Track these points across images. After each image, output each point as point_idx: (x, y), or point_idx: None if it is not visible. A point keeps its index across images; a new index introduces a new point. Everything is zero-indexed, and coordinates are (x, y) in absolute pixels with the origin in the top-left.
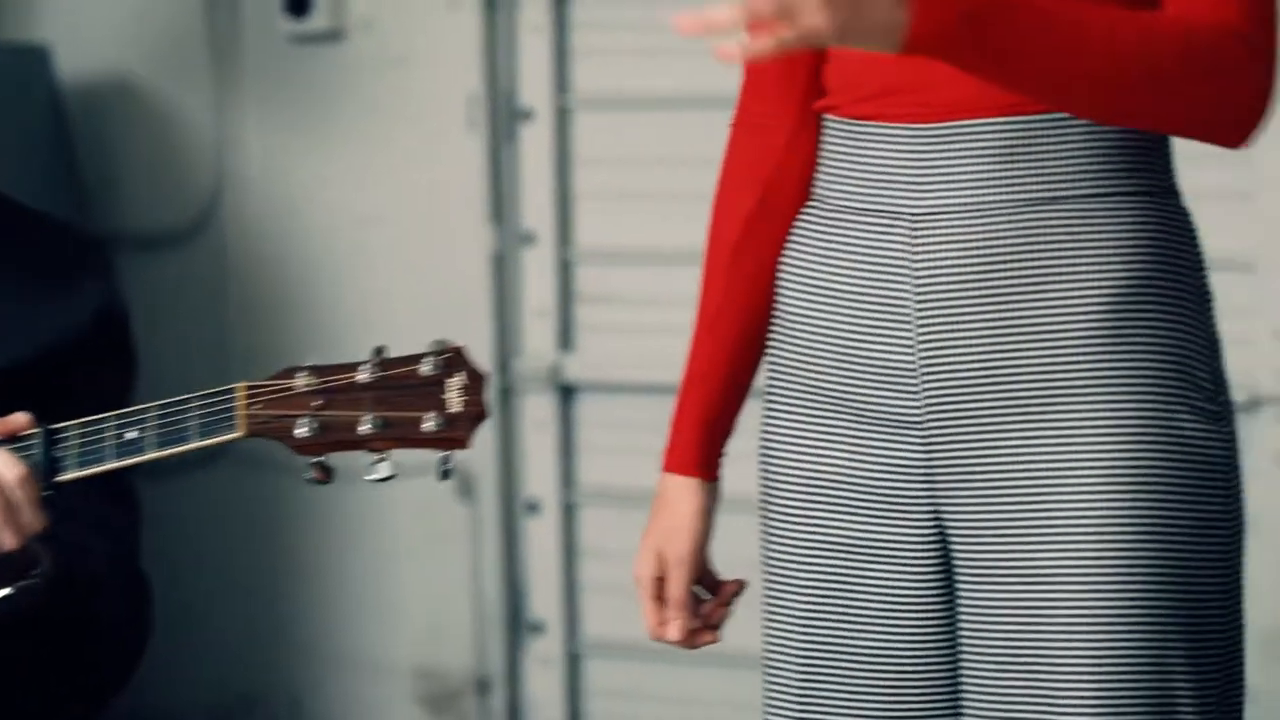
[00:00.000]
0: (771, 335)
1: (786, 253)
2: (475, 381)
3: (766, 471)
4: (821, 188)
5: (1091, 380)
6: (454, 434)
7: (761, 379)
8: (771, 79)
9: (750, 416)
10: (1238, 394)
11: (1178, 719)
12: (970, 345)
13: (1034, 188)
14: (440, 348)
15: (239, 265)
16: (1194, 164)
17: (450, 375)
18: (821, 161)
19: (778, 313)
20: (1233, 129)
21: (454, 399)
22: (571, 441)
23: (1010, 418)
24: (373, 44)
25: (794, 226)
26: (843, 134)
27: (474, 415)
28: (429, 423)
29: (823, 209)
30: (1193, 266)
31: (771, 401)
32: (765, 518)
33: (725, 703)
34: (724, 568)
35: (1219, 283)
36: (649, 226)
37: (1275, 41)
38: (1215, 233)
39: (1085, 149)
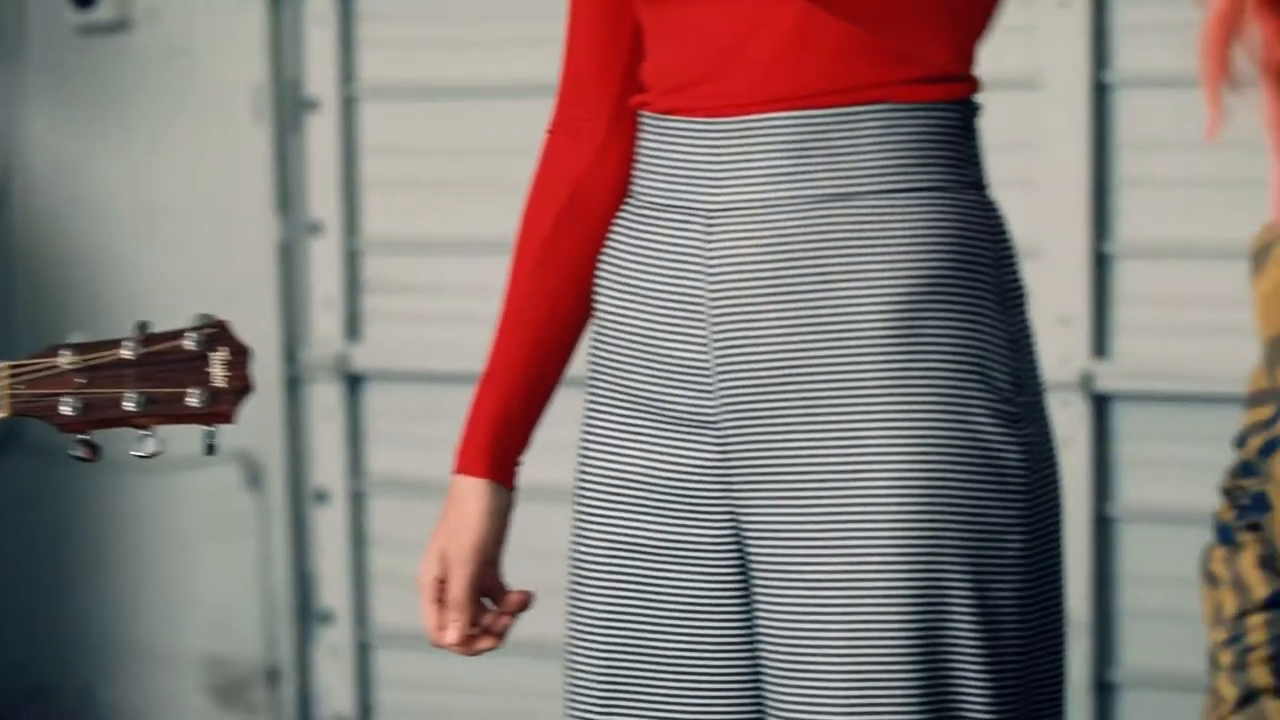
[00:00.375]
0: (591, 334)
1: (603, 252)
2: (239, 356)
3: (581, 469)
4: (635, 185)
5: (883, 380)
6: (219, 409)
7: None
8: (587, 80)
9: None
10: None
11: None
12: (762, 344)
13: (826, 183)
14: (204, 322)
15: (26, 256)
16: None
17: (214, 350)
18: (636, 158)
19: (595, 312)
20: (956, 46)
21: (218, 374)
22: (359, 431)
23: (802, 418)
24: (158, 35)
25: (611, 225)
26: (652, 129)
27: (238, 389)
28: (193, 398)
29: (634, 206)
30: (993, 262)
31: (589, 400)
32: (577, 515)
33: (514, 691)
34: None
35: None
36: (436, 216)
37: None
38: None
39: (878, 144)
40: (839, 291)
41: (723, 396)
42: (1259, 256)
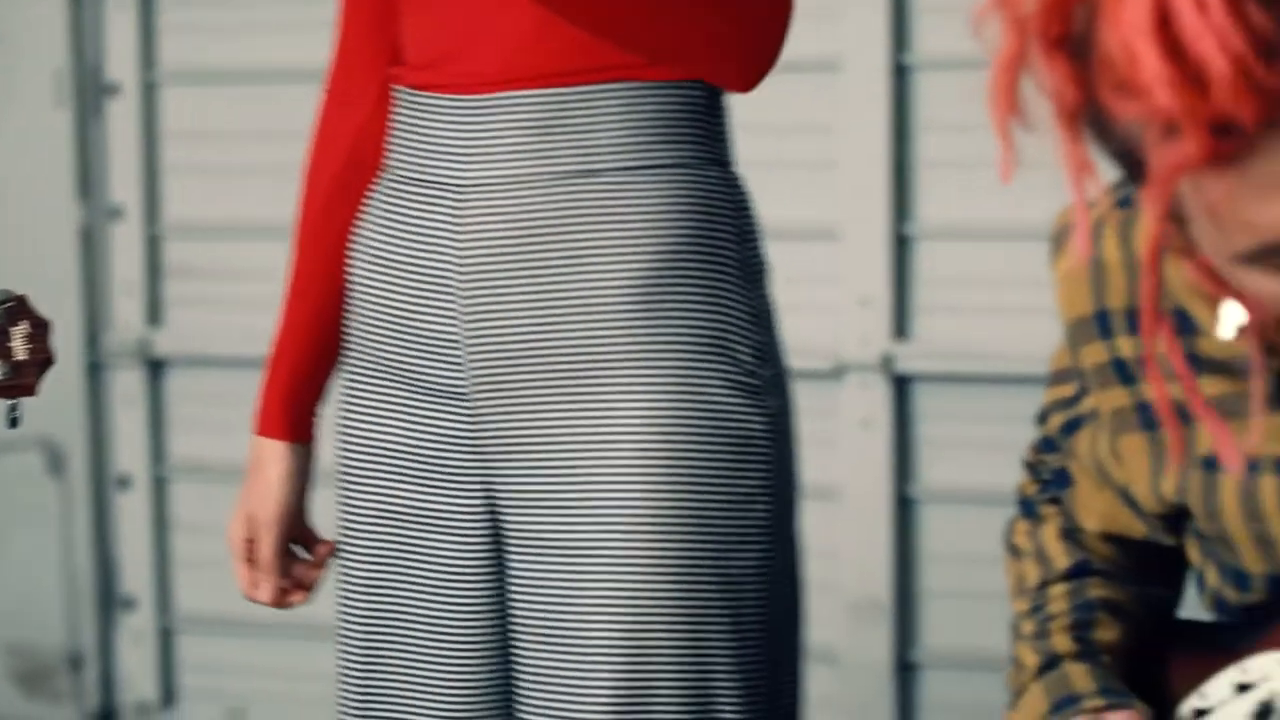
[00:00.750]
0: (345, 306)
1: (357, 224)
2: (40, 329)
3: (341, 440)
4: (389, 158)
5: (626, 354)
6: (22, 381)
7: None
8: (358, 49)
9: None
10: (823, 361)
11: (714, 692)
12: (511, 318)
13: (570, 161)
14: (3, 297)
15: None
16: (780, 135)
17: (14, 324)
18: (390, 132)
19: (348, 284)
20: (745, 73)
21: (19, 347)
22: (161, 416)
23: (550, 391)
24: None
25: (365, 198)
26: (405, 104)
27: (40, 361)
28: None
29: (388, 180)
30: (736, 238)
31: (345, 371)
32: (341, 485)
33: (317, 675)
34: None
35: (804, 252)
36: (237, 200)
37: None
38: (800, 202)
39: (621, 121)
40: (584, 267)
41: (474, 369)
42: (1059, 238)
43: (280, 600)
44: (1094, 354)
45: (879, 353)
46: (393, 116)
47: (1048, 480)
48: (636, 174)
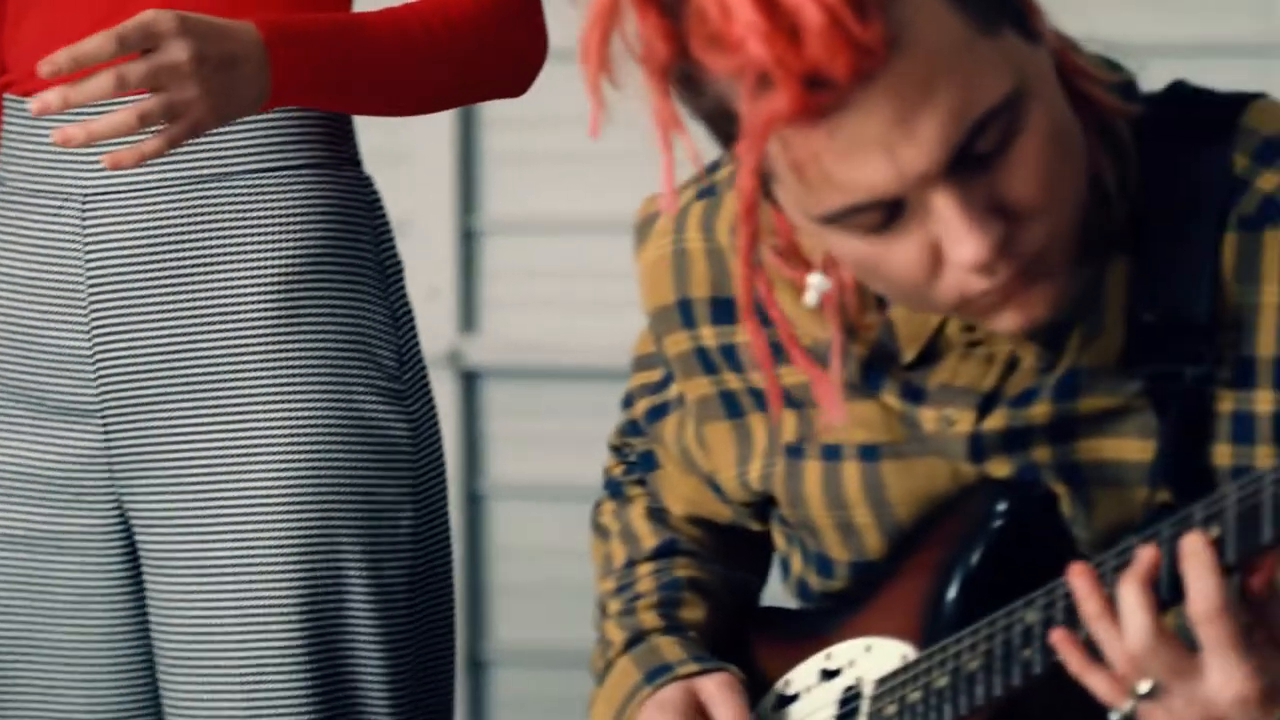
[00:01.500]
0: None
1: None
2: None
3: None
4: (3, 170)
5: (266, 361)
6: None
7: None
8: None
9: None
10: None
11: (365, 703)
12: (143, 329)
13: (202, 164)
14: None
15: None
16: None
17: None
18: (4, 143)
19: None
20: (521, 83)
21: None
22: None
23: (185, 404)
24: None
25: None
26: (18, 114)
27: None
28: None
29: (3, 192)
30: (372, 239)
31: None
32: None
33: None
34: None
35: None
36: None
37: None
38: None
39: (254, 122)
40: (219, 272)
41: (103, 384)
42: (642, 229)
43: None
44: (677, 343)
45: (446, 346)
46: (6, 127)
47: (634, 463)
48: (271, 175)
